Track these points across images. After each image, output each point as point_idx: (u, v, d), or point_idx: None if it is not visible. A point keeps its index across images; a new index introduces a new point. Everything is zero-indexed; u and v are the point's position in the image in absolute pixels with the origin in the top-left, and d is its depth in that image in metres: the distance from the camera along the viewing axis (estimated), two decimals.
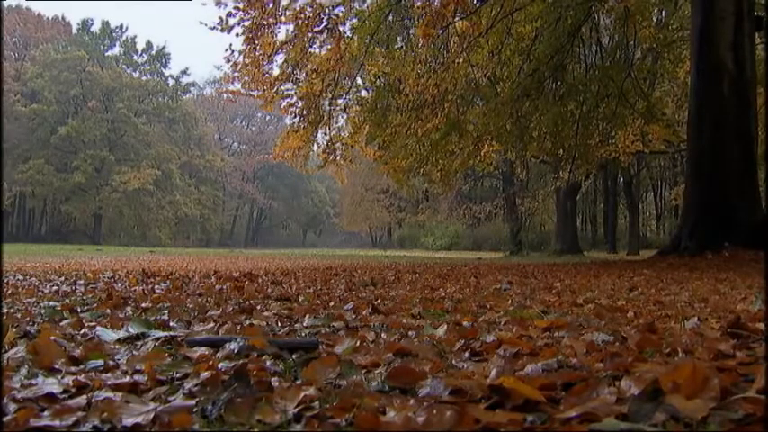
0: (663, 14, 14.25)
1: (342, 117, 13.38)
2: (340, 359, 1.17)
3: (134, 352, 1.29)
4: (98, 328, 1.61)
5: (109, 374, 1.06)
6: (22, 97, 44.10)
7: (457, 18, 10.81)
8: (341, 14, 11.11)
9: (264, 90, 11.50)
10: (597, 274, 5.74)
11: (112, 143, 46.02)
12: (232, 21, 10.52)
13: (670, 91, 15.44)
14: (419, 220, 43.20)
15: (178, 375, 1.06)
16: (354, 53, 10.94)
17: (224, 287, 3.40)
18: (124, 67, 50.57)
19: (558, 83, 12.08)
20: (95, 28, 50.86)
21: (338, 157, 13.25)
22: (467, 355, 1.27)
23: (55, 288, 3.32)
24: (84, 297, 2.71)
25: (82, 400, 0.87)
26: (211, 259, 12.29)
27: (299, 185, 60.45)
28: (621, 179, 28.16)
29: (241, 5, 10.42)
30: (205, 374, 1.00)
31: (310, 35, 10.97)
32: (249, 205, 62.99)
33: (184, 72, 59.29)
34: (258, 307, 2.37)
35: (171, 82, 53.02)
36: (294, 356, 1.21)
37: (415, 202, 42.71)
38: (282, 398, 0.87)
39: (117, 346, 1.37)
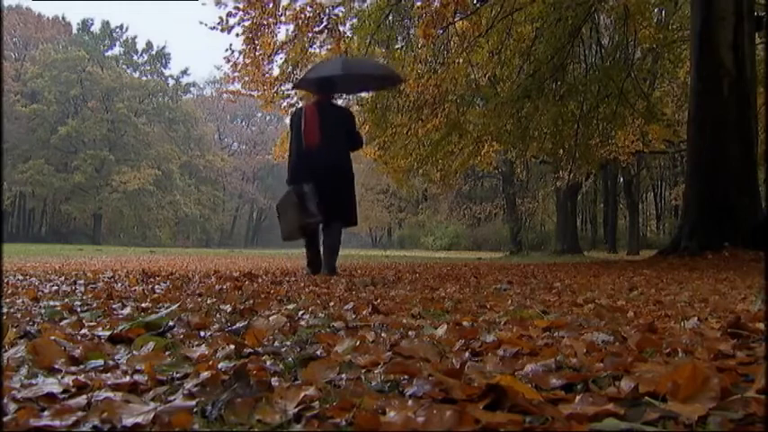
0: (663, 14, 14.25)
1: None
2: (340, 359, 1.17)
3: (134, 352, 1.29)
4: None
5: (109, 374, 1.06)
6: (22, 97, 44.12)
7: (457, 18, 10.82)
8: (341, 14, 11.12)
9: (264, 90, 11.50)
10: (597, 274, 5.74)
11: (112, 143, 46.04)
12: (232, 21, 10.55)
13: (670, 91, 15.44)
14: (419, 220, 43.24)
15: (178, 375, 1.06)
16: (355, 53, 10.95)
17: (224, 287, 3.40)
18: (124, 67, 50.60)
19: (559, 83, 12.08)
20: (95, 28, 50.94)
21: None
22: (467, 355, 1.27)
23: (55, 288, 3.32)
24: (84, 297, 2.71)
25: (82, 400, 0.87)
26: (211, 259, 12.28)
27: None
28: (621, 179, 28.18)
29: (241, 5, 10.44)
30: (205, 374, 1.00)
31: (310, 35, 10.98)
32: (249, 205, 62.99)
33: (184, 72, 59.52)
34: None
35: (171, 82, 53.09)
36: (293, 356, 1.21)
37: (415, 202, 42.75)
38: (282, 398, 0.88)
39: (117, 346, 1.38)
